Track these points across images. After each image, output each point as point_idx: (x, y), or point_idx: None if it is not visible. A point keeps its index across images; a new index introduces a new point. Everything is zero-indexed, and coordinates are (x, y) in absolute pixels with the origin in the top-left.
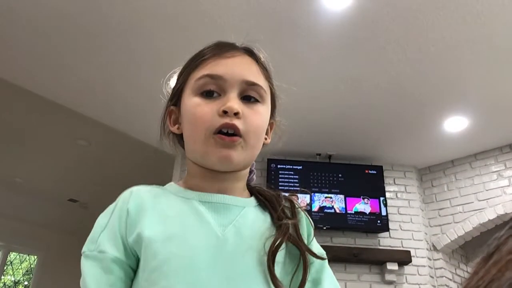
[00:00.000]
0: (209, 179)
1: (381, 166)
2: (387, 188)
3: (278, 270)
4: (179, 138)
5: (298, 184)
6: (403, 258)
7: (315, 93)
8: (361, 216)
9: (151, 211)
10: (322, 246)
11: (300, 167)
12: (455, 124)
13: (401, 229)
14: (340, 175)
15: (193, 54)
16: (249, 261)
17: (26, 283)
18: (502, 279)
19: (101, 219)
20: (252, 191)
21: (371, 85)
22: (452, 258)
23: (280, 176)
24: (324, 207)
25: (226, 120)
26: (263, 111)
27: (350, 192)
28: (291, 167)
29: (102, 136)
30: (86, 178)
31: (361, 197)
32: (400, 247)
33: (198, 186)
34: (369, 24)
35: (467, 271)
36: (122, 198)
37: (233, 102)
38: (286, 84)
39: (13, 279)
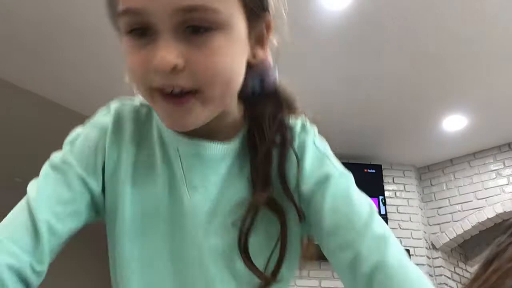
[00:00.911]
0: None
1: (380, 165)
2: (386, 187)
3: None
4: None
5: None
6: None
7: (314, 92)
8: None
9: (126, 166)
10: None
11: None
12: (454, 123)
13: (400, 228)
14: None
15: None
16: (215, 244)
17: None
18: (503, 287)
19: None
20: (251, 121)
21: (370, 85)
22: (451, 257)
23: None
24: None
25: (163, 80)
26: (222, 41)
27: None
28: None
29: None
30: None
31: None
32: None
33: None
34: (369, 24)
35: (466, 270)
36: (103, 126)
37: (163, 52)
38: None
39: None
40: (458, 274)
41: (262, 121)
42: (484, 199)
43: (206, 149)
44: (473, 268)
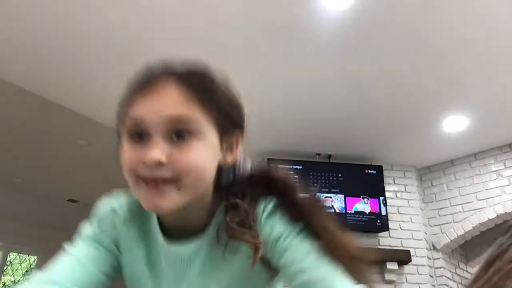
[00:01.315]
0: (166, 219)
1: (381, 166)
2: (386, 187)
3: None
4: None
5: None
6: (403, 257)
7: (315, 93)
8: (360, 216)
9: (135, 260)
10: None
11: (300, 167)
12: (455, 123)
13: (401, 228)
14: (339, 175)
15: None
16: None
17: None
18: None
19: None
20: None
21: (371, 85)
22: (452, 258)
23: None
24: None
25: (149, 172)
26: (198, 146)
27: (350, 192)
28: (291, 167)
29: (102, 136)
30: (86, 178)
31: (361, 196)
32: (400, 246)
33: (163, 224)
34: (369, 24)
35: (466, 271)
36: (108, 221)
37: (154, 150)
38: (286, 84)
39: (13, 279)
40: (459, 275)
41: (234, 209)
42: (485, 200)
43: (183, 251)
44: (473, 269)
